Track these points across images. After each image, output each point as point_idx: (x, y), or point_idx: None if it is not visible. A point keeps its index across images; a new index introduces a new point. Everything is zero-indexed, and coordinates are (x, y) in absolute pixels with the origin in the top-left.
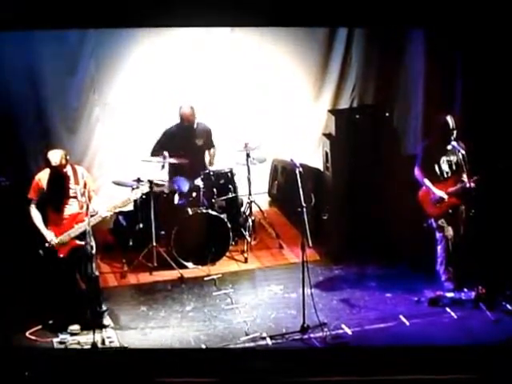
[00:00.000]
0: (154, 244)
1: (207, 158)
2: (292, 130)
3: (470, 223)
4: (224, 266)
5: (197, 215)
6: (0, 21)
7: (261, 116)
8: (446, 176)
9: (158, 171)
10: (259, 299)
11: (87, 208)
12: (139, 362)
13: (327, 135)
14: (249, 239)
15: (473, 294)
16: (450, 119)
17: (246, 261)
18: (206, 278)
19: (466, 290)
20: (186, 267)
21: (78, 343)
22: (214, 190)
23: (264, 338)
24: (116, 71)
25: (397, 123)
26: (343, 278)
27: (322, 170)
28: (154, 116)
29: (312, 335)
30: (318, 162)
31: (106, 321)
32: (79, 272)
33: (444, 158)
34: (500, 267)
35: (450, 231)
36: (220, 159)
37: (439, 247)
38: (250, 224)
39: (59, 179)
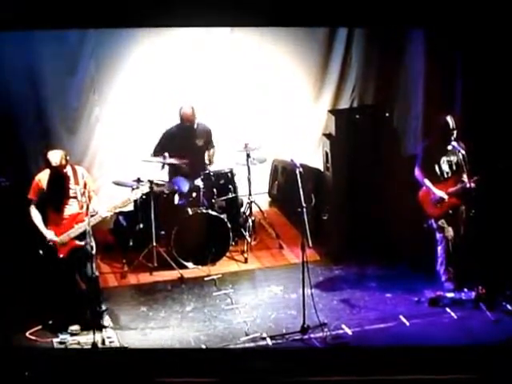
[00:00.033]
0: (154, 244)
1: (206, 157)
2: (292, 130)
3: (471, 223)
4: (224, 266)
5: (197, 215)
6: (0, 21)
7: (261, 116)
8: (446, 176)
9: (158, 171)
10: (259, 299)
11: (87, 208)
12: (139, 362)
13: (327, 135)
14: (249, 239)
15: (473, 294)
16: (450, 119)
17: (246, 261)
18: (206, 279)
19: (466, 290)
20: (186, 267)
21: (78, 343)
22: (214, 190)
23: (264, 339)
24: (116, 71)
25: (397, 123)
26: (343, 278)
27: (322, 170)
28: (154, 116)
29: (312, 335)
30: (318, 162)
31: (106, 321)
32: (79, 272)
33: (444, 158)
34: (500, 267)
35: (450, 231)
36: (220, 159)
37: (439, 247)
38: (250, 224)
39: (59, 179)
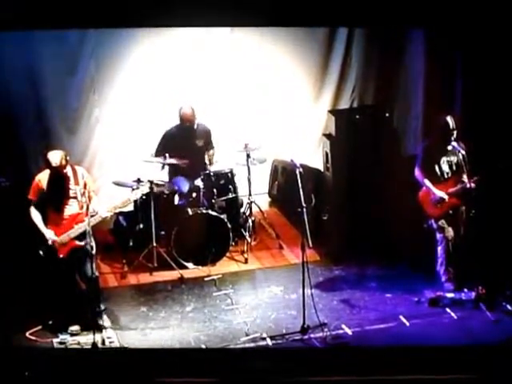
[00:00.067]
0: (154, 244)
1: (206, 158)
2: (292, 130)
3: (471, 224)
4: (224, 266)
5: (197, 216)
6: (0, 21)
7: (261, 116)
8: (446, 176)
9: (158, 172)
10: (259, 300)
11: (87, 208)
12: (139, 362)
13: (327, 135)
14: (249, 240)
15: (473, 294)
16: (450, 120)
17: (246, 261)
18: (206, 279)
19: (466, 290)
20: (186, 268)
21: (78, 343)
22: (214, 190)
23: (264, 339)
24: (116, 71)
25: (397, 123)
26: (343, 278)
27: (322, 170)
28: (154, 116)
29: (312, 335)
30: (318, 163)
31: (104, 321)
32: (79, 272)
33: (444, 159)
34: (500, 267)
35: (450, 232)
36: (220, 160)
37: (439, 248)
38: (250, 224)
39: (59, 180)
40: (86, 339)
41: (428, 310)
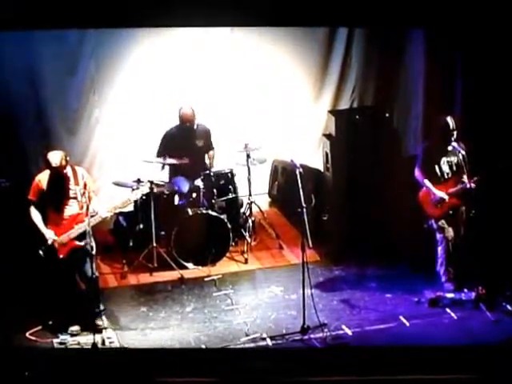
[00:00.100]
0: (154, 245)
1: (207, 160)
2: (292, 130)
3: (471, 224)
4: (224, 266)
5: (197, 216)
6: (0, 21)
7: (261, 116)
8: (446, 177)
9: (158, 172)
10: (259, 300)
11: (87, 209)
12: (140, 362)
13: (327, 136)
14: (249, 240)
15: (473, 294)
16: (450, 120)
17: (246, 261)
18: (206, 279)
19: (466, 290)
20: (186, 268)
21: (78, 344)
22: (214, 190)
23: (264, 339)
24: (116, 71)
25: (397, 124)
26: (343, 278)
27: (322, 170)
28: (154, 116)
29: (312, 336)
30: (318, 163)
31: (104, 322)
32: (79, 273)
33: (444, 159)
34: (500, 268)
35: (450, 232)
36: (220, 160)
37: (439, 248)
38: (250, 225)
39: (59, 180)
40: (86, 339)
41: (428, 311)
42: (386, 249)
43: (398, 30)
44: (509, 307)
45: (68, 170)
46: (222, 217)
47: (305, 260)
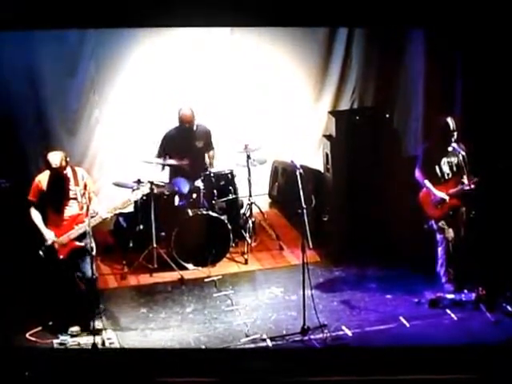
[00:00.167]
0: (155, 245)
1: (207, 160)
2: (292, 131)
3: (471, 225)
4: (224, 267)
5: (197, 216)
6: (0, 21)
7: (261, 116)
8: (446, 177)
9: (158, 173)
10: (259, 301)
11: (87, 209)
12: (140, 362)
13: (327, 136)
14: (249, 241)
15: (473, 295)
16: (450, 121)
17: (246, 262)
18: (206, 280)
19: (466, 291)
20: (186, 269)
21: (78, 345)
22: (215, 191)
23: (264, 340)
24: (116, 72)
25: (397, 124)
26: (343, 279)
27: (322, 171)
28: (154, 117)
29: (312, 337)
30: (318, 164)
31: (103, 323)
32: (78, 273)
33: (445, 160)
34: (500, 268)
35: (450, 233)
36: (220, 161)
37: (440, 249)
38: (251, 225)
39: (59, 181)
40: (86, 340)
41: (428, 311)
42: (386, 250)
43: (397, 30)
44: (509, 308)
45: (68, 171)
46: (223, 218)
47: (305, 261)
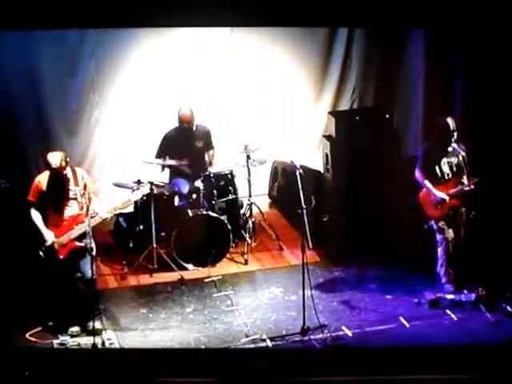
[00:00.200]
0: (154, 246)
1: (207, 160)
2: (292, 131)
3: (471, 225)
4: (224, 267)
5: (197, 217)
6: (0, 21)
7: (261, 116)
8: (446, 178)
9: (158, 173)
10: (259, 301)
11: (87, 209)
12: (140, 362)
13: (327, 137)
14: (249, 241)
15: (473, 295)
16: (450, 121)
17: (246, 262)
18: (206, 280)
19: (466, 291)
20: (186, 269)
21: (78, 345)
22: (214, 191)
23: (264, 340)
24: (116, 72)
25: (397, 125)
26: (343, 279)
27: (322, 171)
28: (155, 117)
29: (312, 337)
30: (318, 164)
31: (102, 324)
32: (78, 273)
33: (445, 160)
34: (500, 269)
35: (450, 233)
36: (220, 161)
37: (439, 249)
38: (250, 226)
39: (59, 181)
40: (86, 340)
41: (428, 312)
42: (386, 250)
43: (398, 30)
44: (509, 308)
45: (68, 171)
46: (222, 218)
47: (305, 261)
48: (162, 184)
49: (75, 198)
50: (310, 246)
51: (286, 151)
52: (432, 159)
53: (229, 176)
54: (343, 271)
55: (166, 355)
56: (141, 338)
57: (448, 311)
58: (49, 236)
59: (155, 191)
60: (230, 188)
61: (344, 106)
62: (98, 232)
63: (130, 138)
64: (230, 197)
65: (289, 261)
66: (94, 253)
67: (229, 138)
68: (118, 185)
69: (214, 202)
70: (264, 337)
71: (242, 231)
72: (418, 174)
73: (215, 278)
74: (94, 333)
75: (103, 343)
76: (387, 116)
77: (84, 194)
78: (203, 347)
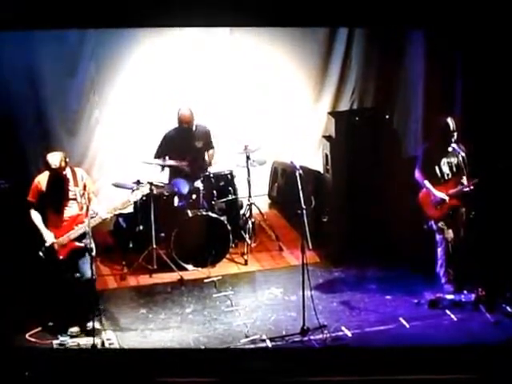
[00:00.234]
0: (154, 246)
1: (207, 159)
2: (292, 132)
3: (470, 225)
4: (224, 268)
5: (197, 217)
6: (0, 21)
7: (261, 117)
8: (446, 178)
9: (157, 173)
10: (259, 301)
11: (87, 209)
12: (140, 362)
13: (327, 137)
14: (249, 241)
15: (473, 296)
16: (450, 121)
17: (246, 263)
18: (205, 281)
19: (465, 292)
20: (185, 269)
21: (78, 345)
22: (214, 192)
23: (264, 341)
24: (116, 72)
25: (397, 125)
26: (343, 280)
27: (321, 172)
28: (155, 117)
29: (312, 337)
30: (318, 164)
31: (102, 324)
32: (77, 274)
33: (444, 160)
34: (500, 269)
35: (450, 233)
36: (220, 161)
37: (439, 249)
38: (250, 226)
39: (58, 181)
40: (85, 341)
41: (428, 312)
42: (385, 250)
43: (397, 30)
44: (508, 309)
45: (67, 172)
46: (222, 218)
47: (305, 261)
48: (162, 184)
49: (75, 199)
50: (310, 247)
51: (286, 152)
52: (432, 159)
53: (228, 176)
54: (343, 272)
55: (165, 355)
56: (140, 338)
57: (448, 311)
58: (48, 236)
59: (155, 191)
60: (230, 188)
61: (344, 106)
62: (97, 232)
63: (129, 139)
64: (230, 197)
65: (288, 261)
66: (93, 253)
67: (229, 139)
68: (117, 185)
69: (213, 202)
70: (264, 337)
71: (242, 232)
72: (417, 174)
73: (215, 279)
74: (94, 333)
75: (103, 343)
76: (387, 116)
77: (84, 194)
78: (203, 347)
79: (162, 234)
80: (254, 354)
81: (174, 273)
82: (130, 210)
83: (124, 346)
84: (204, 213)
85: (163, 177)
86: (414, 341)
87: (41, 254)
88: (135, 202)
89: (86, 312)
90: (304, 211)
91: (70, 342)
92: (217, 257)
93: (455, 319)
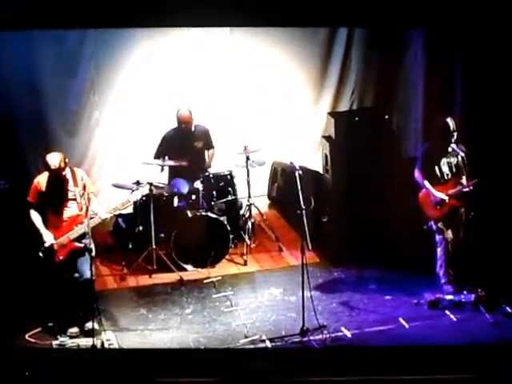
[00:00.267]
0: (154, 246)
1: (206, 158)
2: (292, 132)
3: (470, 225)
4: (223, 268)
5: (196, 218)
6: (0, 21)
7: (261, 117)
8: (446, 178)
9: (157, 174)
10: (259, 302)
11: (86, 210)
12: (140, 363)
13: (327, 138)
14: (248, 242)
15: (472, 296)
16: (450, 121)
17: (245, 263)
18: (205, 281)
19: (465, 292)
20: (185, 270)
21: (78, 346)
22: (214, 192)
23: (263, 341)
24: (116, 72)
25: (396, 125)
26: (343, 280)
27: (321, 172)
28: (154, 117)
29: (312, 338)
30: (317, 165)
31: (101, 325)
32: (76, 274)
33: (444, 160)
34: (499, 269)
35: (449, 234)
36: (219, 162)
37: (439, 250)
38: (250, 227)
39: (58, 182)
40: (85, 342)
41: (427, 312)
42: (385, 250)
43: (397, 31)
44: (508, 309)
45: (67, 172)
46: (222, 219)
47: (304, 262)
48: (162, 185)
49: (74, 199)
50: (310, 247)
51: (286, 152)
52: (432, 160)
53: (228, 177)
54: (343, 272)
55: (165, 356)
56: (140, 338)
57: (447, 312)
58: (48, 237)
59: (154, 192)
60: (230, 189)
61: (343, 106)
62: (97, 233)
63: (129, 139)
64: (230, 198)
65: (288, 262)
66: (93, 253)
67: (228, 139)
68: (117, 186)
69: (213, 202)
70: (263, 338)
71: (242, 232)
72: (417, 174)
73: (214, 279)
74: (94, 334)
75: (102, 344)
76: (386, 117)
77: (83, 194)
78: (203, 348)
79: (162, 235)
80: (253, 355)
81: (174, 273)
82: (130, 210)
83: (124, 347)
84: (204, 213)
85: (163, 177)
86: (413, 341)
87: (40, 254)
88: (135, 203)
89: (85, 312)
90: (303, 211)
91: (70, 343)
92: (216, 257)
93: (455, 319)
